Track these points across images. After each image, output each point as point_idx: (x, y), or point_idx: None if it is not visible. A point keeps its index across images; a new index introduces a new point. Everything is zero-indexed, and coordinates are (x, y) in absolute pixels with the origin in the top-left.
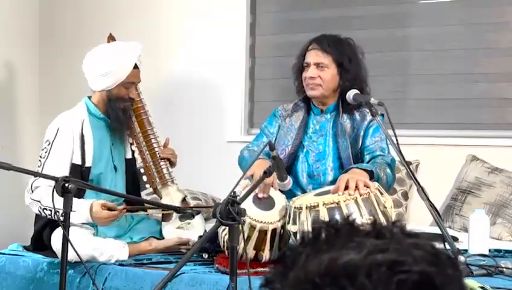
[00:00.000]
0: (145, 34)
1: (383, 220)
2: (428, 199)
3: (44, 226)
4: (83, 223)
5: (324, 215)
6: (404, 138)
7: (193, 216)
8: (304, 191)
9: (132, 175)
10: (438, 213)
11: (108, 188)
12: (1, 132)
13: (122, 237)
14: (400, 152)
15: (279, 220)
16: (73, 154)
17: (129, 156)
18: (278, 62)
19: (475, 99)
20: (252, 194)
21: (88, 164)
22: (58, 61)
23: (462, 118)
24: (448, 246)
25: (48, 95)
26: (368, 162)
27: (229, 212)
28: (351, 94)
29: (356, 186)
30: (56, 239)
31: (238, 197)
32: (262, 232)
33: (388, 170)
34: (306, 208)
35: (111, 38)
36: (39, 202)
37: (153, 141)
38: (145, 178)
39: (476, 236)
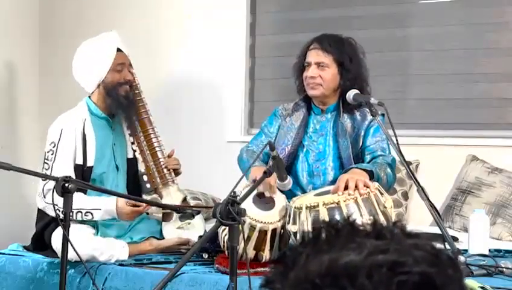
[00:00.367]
0: (145, 34)
1: (383, 220)
2: (428, 199)
3: (46, 225)
4: (83, 222)
5: (324, 215)
6: (404, 138)
7: (193, 216)
8: (304, 191)
9: (133, 175)
10: (438, 213)
11: (109, 188)
12: (1, 132)
13: (123, 237)
14: (400, 152)
15: (279, 220)
16: (76, 154)
17: (130, 155)
18: (278, 62)
19: (475, 99)
20: (252, 194)
21: (90, 163)
22: (58, 62)
23: (462, 118)
24: (448, 246)
25: (48, 95)
26: (368, 162)
27: (229, 212)
28: (351, 94)
29: (356, 186)
30: (57, 238)
31: (238, 197)
32: (262, 232)
33: (389, 170)
34: (306, 208)
35: None
36: (56, 205)
37: (153, 140)
38: (145, 178)
39: (476, 236)
